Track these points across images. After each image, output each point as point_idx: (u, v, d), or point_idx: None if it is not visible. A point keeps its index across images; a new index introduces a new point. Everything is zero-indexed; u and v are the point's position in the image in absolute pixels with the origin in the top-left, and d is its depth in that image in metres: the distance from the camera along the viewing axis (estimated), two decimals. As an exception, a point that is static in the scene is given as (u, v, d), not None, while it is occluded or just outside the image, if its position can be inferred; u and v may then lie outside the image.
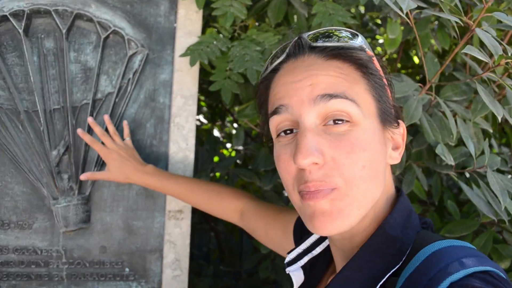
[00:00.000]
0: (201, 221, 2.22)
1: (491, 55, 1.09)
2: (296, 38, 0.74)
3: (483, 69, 1.23)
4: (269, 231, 1.08)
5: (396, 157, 0.74)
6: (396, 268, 0.67)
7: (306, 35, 0.74)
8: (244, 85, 1.45)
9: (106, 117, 1.22)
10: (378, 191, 0.69)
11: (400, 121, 0.76)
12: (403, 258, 0.68)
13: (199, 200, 1.20)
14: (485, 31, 0.94)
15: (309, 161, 0.64)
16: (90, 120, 1.21)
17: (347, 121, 0.67)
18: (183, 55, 1.25)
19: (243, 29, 1.39)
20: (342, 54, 0.70)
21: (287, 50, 0.75)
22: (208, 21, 1.49)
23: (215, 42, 1.25)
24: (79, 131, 1.19)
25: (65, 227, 1.23)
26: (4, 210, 1.21)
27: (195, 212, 1.31)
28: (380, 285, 0.66)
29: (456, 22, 0.92)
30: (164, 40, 1.27)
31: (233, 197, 1.19)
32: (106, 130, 1.22)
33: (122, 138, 1.23)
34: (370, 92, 0.70)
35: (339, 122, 0.66)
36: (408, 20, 0.95)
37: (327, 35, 0.73)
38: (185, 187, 1.19)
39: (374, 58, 0.74)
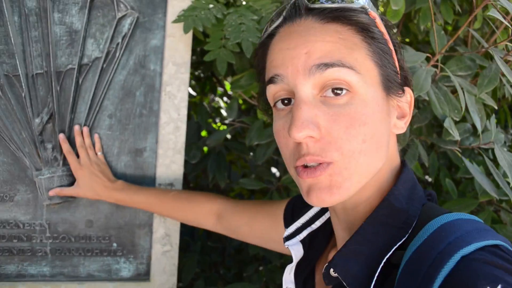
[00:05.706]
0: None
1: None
2: None
3: (488, 43, 1.19)
4: (255, 225, 1.04)
5: (401, 126, 0.70)
6: (402, 241, 0.64)
7: None
8: (239, 55, 1.38)
9: (85, 130, 1.16)
10: (380, 163, 0.66)
11: (407, 88, 0.72)
12: (409, 231, 0.65)
13: (170, 210, 1.16)
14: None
15: (304, 134, 0.61)
16: (76, 128, 1.15)
17: (348, 91, 0.62)
18: (175, 21, 1.17)
19: (240, -6, 1.31)
20: (341, 17, 0.64)
21: (284, 13, 0.70)
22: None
23: (210, 8, 1.18)
24: (61, 136, 1.14)
25: (49, 199, 1.16)
26: (-18, 181, 1.14)
27: (183, 187, 1.26)
28: (386, 259, 0.64)
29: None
30: (155, 3, 1.19)
31: (205, 200, 1.14)
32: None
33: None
34: (371, 57, 0.65)
35: (339, 92, 0.62)
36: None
37: None
38: (155, 198, 1.15)
39: (378, 20, 0.68)
